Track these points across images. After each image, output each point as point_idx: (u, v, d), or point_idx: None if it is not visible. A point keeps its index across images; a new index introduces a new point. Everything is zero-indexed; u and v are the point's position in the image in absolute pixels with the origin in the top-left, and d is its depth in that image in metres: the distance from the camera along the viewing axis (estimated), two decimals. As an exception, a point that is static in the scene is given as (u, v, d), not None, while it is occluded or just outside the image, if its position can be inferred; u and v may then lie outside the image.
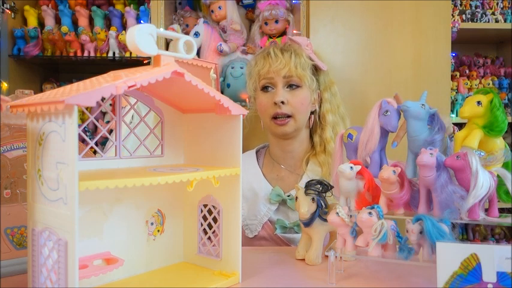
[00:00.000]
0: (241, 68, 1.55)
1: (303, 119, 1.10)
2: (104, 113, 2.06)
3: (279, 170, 1.16)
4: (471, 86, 2.02)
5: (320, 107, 1.16)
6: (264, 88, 1.09)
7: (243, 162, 1.19)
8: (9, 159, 0.72)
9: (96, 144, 0.63)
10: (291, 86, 1.07)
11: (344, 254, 0.69)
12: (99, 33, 2.00)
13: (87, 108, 1.68)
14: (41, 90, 2.16)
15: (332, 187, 0.77)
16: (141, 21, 2.01)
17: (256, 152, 1.23)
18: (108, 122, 1.95)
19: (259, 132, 1.25)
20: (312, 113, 1.15)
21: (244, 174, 1.14)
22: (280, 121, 1.07)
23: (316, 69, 1.14)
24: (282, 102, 1.05)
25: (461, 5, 1.94)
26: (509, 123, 0.91)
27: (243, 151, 0.69)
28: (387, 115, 0.72)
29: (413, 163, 0.69)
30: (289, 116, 1.07)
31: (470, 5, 1.93)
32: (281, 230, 1.05)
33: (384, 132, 0.74)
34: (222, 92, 0.89)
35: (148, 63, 1.75)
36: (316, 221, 0.77)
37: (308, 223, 0.77)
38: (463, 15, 1.90)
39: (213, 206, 0.73)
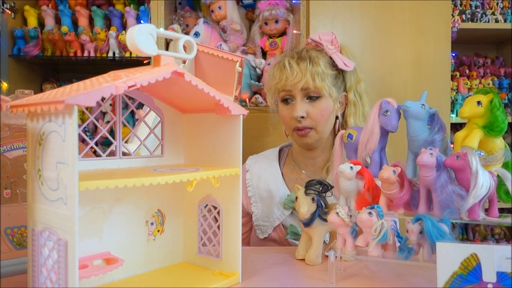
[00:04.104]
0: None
1: (325, 130, 1.05)
2: (104, 113, 2.07)
3: (299, 173, 1.12)
4: (471, 86, 2.02)
5: (345, 109, 1.08)
6: (284, 100, 1.05)
7: (264, 160, 1.18)
8: (9, 159, 0.72)
9: (96, 144, 0.63)
10: (311, 97, 1.01)
11: (344, 254, 0.69)
12: (99, 33, 2.00)
13: (87, 108, 1.67)
14: (41, 90, 2.16)
15: (332, 187, 0.77)
16: (141, 21, 2.01)
17: (280, 151, 1.18)
18: (108, 122, 1.95)
19: (260, 132, 1.24)
20: (337, 117, 1.07)
21: (263, 174, 1.14)
22: (301, 132, 1.03)
23: (341, 69, 1.05)
24: (302, 117, 1.01)
25: (461, 5, 1.94)
26: (509, 123, 0.91)
27: (244, 151, 0.69)
28: (387, 115, 0.72)
29: (413, 163, 0.69)
30: (310, 128, 1.03)
31: (470, 5, 1.93)
32: (292, 236, 1.02)
33: (384, 132, 0.74)
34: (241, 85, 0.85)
35: (148, 63, 1.75)
36: (316, 221, 0.77)
37: (308, 223, 0.77)
38: (463, 15, 1.90)
39: (213, 206, 0.73)
